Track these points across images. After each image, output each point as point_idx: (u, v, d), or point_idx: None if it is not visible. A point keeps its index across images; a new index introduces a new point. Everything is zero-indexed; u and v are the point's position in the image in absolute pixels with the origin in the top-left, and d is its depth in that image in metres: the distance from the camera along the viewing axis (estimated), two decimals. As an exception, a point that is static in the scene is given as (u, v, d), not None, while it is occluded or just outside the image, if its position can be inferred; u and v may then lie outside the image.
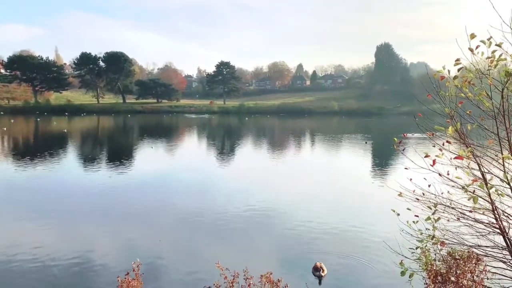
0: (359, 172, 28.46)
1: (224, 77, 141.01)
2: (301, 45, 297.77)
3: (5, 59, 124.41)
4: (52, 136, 56.70)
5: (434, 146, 6.87)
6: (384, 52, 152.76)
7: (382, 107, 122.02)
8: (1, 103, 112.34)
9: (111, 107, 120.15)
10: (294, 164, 33.31)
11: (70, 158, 35.05)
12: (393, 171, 27.08)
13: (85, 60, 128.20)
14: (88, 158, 35.22)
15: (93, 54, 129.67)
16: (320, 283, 10.43)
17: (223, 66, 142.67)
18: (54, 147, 41.39)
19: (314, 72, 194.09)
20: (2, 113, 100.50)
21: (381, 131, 65.74)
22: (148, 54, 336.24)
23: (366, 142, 48.29)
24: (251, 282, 5.14)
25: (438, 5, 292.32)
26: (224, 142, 53.67)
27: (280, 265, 11.61)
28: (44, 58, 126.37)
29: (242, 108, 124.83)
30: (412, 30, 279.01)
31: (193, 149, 44.71)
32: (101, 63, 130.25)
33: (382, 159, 33.47)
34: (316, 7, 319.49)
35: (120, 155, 37.87)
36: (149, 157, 36.34)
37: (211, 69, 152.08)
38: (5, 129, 61.02)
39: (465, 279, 5.07)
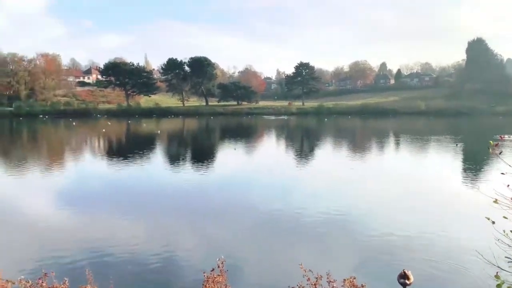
0: (449, 176, 26.73)
1: (303, 78, 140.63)
2: (384, 43, 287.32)
3: (102, 66, 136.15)
4: (143, 137, 60.84)
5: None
6: (477, 48, 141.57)
7: (473, 106, 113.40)
8: (99, 107, 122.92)
9: (195, 109, 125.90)
10: (377, 167, 32.16)
11: (159, 158, 37.27)
12: (488, 176, 25.05)
13: (171, 66, 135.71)
14: (175, 158, 37.23)
15: (178, 59, 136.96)
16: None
17: (302, 67, 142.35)
18: (146, 147, 44.35)
19: (399, 70, 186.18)
20: (99, 115, 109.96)
21: (473, 133, 61.18)
22: (230, 57, 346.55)
23: (457, 145, 45.21)
24: (334, 285, 5.08)
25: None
26: (303, 143, 53.51)
27: (363, 271, 11.29)
28: (135, 64, 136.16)
29: (321, 108, 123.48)
30: (508, 23, 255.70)
31: (272, 150, 45.17)
32: (186, 68, 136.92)
33: (475, 163, 31.12)
34: (401, 2, 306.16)
35: (204, 155, 39.52)
36: (231, 157, 37.42)
37: (290, 70, 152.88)
38: (104, 130, 66.63)
39: None
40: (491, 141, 6.40)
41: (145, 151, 41.05)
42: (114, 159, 35.73)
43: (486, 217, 6.57)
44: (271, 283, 10.35)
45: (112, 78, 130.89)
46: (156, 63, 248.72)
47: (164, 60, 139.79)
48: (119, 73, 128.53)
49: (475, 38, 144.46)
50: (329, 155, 39.53)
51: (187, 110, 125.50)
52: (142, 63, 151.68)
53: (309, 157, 38.47)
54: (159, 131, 65.36)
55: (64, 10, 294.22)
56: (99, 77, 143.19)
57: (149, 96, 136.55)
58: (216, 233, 15.11)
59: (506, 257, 6.31)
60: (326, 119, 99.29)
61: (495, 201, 6.69)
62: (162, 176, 27.72)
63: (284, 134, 67.40)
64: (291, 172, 29.59)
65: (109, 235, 14.62)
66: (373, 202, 19.56)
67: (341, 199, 20.14)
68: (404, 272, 10.23)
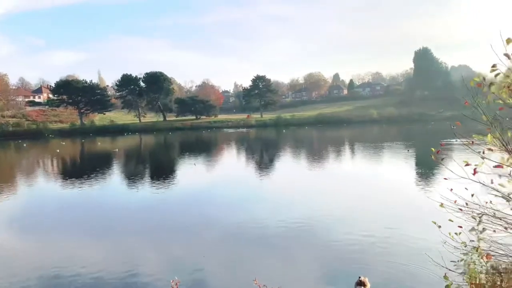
0: (401, 181, 27.75)
1: (260, 91, 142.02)
2: (337, 54, 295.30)
3: (53, 85, 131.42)
4: (99, 156, 59.07)
5: (480, 153, 6.67)
6: (423, 57, 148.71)
7: (423, 113, 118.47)
8: (51, 126, 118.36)
9: (152, 125, 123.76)
10: (334, 175, 32.94)
11: (116, 177, 36.36)
12: (436, 180, 26.22)
13: (126, 81, 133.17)
14: (133, 176, 36.38)
15: (133, 75, 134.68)
16: None
17: (258, 80, 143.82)
18: (102, 167, 43.09)
19: (351, 81, 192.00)
20: (52, 136, 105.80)
21: (424, 138, 63.84)
22: (186, 72, 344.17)
23: (408, 150, 47.02)
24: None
25: (476, 6, 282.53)
26: (263, 155, 53.88)
27: (323, 280, 11.50)
28: (88, 81, 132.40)
29: (279, 120, 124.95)
30: (452, 32, 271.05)
31: (232, 163, 45.18)
32: (142, 84, 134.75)
33: (425, 168, 32.47)
34: (349, 14, 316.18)
35: (162, 172, 38.90)
36: (190, 173, 37.05)
37: (247, 83, 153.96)
38: (58, 151, 64.10)
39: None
40: (432, 149, 6.77)
41: (101, 170, 39.92)
42: (69, 180, 34.49)
43: (432, 221, 6.90)
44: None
45: (64, 97, 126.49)
46: (110, 79, 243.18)
47: (119, 77, 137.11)
48: (72, 91, 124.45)
49: (421, 48, 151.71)
50: (289, 165, 40.04)
51: (144, 126, 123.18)
52: (95, 80, 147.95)
53: (270, 168, 38.81)
54: (116, 149, 63.78)
55: (11, 27, 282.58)
56: (51, 96, 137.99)
57: (104, 114, 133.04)
58: (177, 251, 14.91)
59: (451, 260, 6.63)
60: (284, 130, 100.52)
61: (441, 205, 7.06)
62: (120, 195, 27.06)
63: (244, 146, 67.60)
64: (252, 184, 29.72)
65: (66, 260, 14.06)
66: (331, 210, 19.99)
67: (301, 208, 20.41)
68: (360, 280, 10.54)
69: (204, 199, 24.83)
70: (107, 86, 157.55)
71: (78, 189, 29.21)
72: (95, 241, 16.57)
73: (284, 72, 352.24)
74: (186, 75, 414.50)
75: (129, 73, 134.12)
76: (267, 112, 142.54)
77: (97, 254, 14.72)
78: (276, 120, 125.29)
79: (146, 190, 28.29)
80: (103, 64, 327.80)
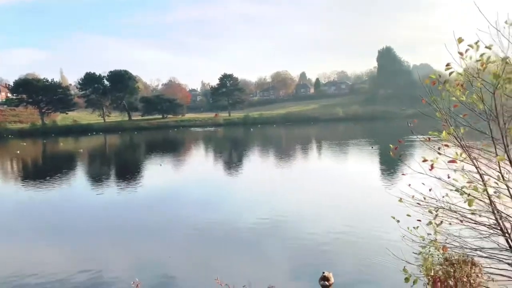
0: (364, 178, 28.39)
1: (227, 89, 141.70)
2: (303, 53, 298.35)
3: (12, 83, 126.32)
4: (62, 157, 57.23)
5: (439, 148, 6.89)
6: (386, 56, 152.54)
7: (387, 111, 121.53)
8: (10, 127, 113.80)
9: (117, 125, 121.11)
10: (300, 173, 33.32)
11: (80, 178, 35.36)
12: (397, 176, 26.98)
13: (89, 80, 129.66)
14: (97, 177, 35.51)
15: (97, 73, 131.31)
16: None
17: (226, 78, 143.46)
18: (65, 168, 41.80)
19: (317, 79, 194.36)
20: (11, 136, 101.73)
21: (387, 135, 65.51)
22: (152, 71, 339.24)
23: (372, 147, 48.15)
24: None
25: (439, 6, 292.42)
26: (231, 154, 53.81)
27: (289, 277, 11.62)
28: (50, 80, 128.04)
29: (247, 119, 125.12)
30: (414, 31, 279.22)
31: (200, 162, 44.86)
32: (106, 82, 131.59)
33: (388, 164, 33.33)
34: (316, 14, 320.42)
35: (128, 172, 38.16)
36: (157, 173, 36.51)
37: (214, 82, 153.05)
38: (18, 152, 61.60)
39: (462, 283, 5.07)
40: (391, 145, 6.95)
41: (64, 171, 38.72)
42: (30, 182, 33.30)
43: (392, 217, 7.09)
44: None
45: (24, 96, 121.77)
46: (73, 78, 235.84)
47: (82, 75, 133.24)
48: (32, 90, 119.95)
49: (384, 47, 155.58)
50: (257, 164, 40.19)
51: (109, 126, 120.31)
52: (57, 79, 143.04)
53: (237, 167, 38.80)
54: (81, 150, 62.06)
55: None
56: (9, 95, 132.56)
57: (67, 113, 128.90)
58: (143, 252, 14.67)
59: (413, 252, 6.84)
60: (252, 129, 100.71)
61: (400, 200, 7.27)
62: (84, 197, 26.34)
63: (212, 145, 67.27)
64: (220, 183, 29.65)
65: (26, 263, 13.60)
66: (297, 207, 20.24)
67: (268, 206, 20.52)
68: (324, 275, 10.72)
69: (171, 199, 24.56)
70: (70, 85, 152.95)
71: (40, 191, 28.24)
72: (56, 242, 16.14)
73: (251, 71, 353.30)
74: (152, 74, 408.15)
75: (92, 72, 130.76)
76: (235, 111, 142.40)
77: (58, 256, 14.34)
78: (244, 119, 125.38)
79: (111, 191, 27.68)
80: (66, 63, 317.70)
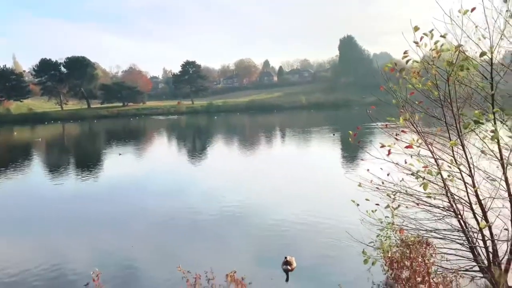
0: (326, 164, 28.94)
1: (190, 77, 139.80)
2: (267, 41, 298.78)
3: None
4: (16, 146, 54.82)
5: (396, 135, 7.08)
6: (347, 45, 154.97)
7: (348, 99, 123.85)
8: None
9: (76, 113, 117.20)
10: (264, 160, 33.53)
11: (37, 169, 34.07)
12: (358, 161, 27.66)
13: (45, 67, 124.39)
14: (55, 167, 34.29)
15: (53, 60, 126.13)
16: (287, 277, 10.61)
17: (188, 66, 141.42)
18: (20, 158, 40.09)
19: (281, 67, 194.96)
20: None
21: (348, 123, 66.88)
22: (112, 58, 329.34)
23: (334, 134, 49.05)
24: (213, 283, 5.19)
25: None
26: (195, 142, 53.35)
27: (251, 263, 11.72)
28: (1, 66, 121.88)
29: (211, 107, 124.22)
30: (375, 21, 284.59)
31: (162, 151, 44.21)
32: (63, 69, 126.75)
33: (348, 151, 34.07)
34: (279, 2, 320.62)
35: (88, 162, 37.11)
36: (118, 162, 35.68)
37: (176, 69, 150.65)
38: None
39: (418, 264, 5.29)
40: (350, 132, 7.10)
41: (19, 162, 37.16)
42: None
43: (351, 200, 7.26)
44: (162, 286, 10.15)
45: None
46: (27, 65, 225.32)
47: (37, 61, 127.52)
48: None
49: (346, 36, 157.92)
50: (221, 152, 40.06)
51: (67, 114, 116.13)
52: (10, 65, 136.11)
53: (201, 155, 38.55)
54: (39, 139, 59.58)
55: None
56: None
57: (21, 101, 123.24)
58: (104, 242, 14.34)
59: (371, 237, 7.04)
60: (215, 117, 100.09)
61: (359, 185, 7.46)
62: (41, 187, 25.38)
63: (175, 134, 66.37)
64: (183, 172, 29.39)
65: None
66: (260, 194, 20.39)
67: (231, 194, 20.53)
68: (287, 260, 10.91)
69: (133, 189, 24.08)
70: (24, 71, 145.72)
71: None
72: (13, 234, 15.50)
73: (214, 59, 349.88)
74: (112, 61, 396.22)
75: (48, 58, 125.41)
76: (198, 99, 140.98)
77: (15, 248, 13.80)
78: (208, 107, 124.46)
79: (70, 181, 26.81)
80: (19, 49, 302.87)
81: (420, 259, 5.27)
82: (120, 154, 39.73)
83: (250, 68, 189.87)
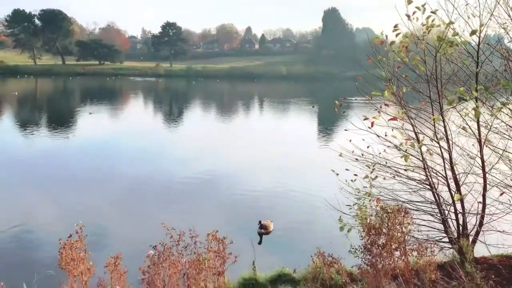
0: (305, 135, 29.22)
1: (170, 39, 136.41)
2: (250, 7, 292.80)
3: None
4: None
5: (376, 110, 7.21)
6: (331, 17, 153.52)
7: (328, 72, 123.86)
8: None
9: (50, 68, 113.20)
10: (242, 129, 33.55)
11: (7, 124, 33.11)
12: (337, 133, 28.04)
13: (18, 18, 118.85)
14: (27, 124, 33.38)
15: (27, 11, 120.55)
16: (261, 240, 10.92)
17: (168, 27, 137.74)
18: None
19: (263, 35, 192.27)
20: None
21: (327, 96, 67.26)
22: (89, 13, 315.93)
23: (313, 106, 49.34)
24: (197, 240, 5.29)
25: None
26: (171, 107, 52.71)
27: (227, 227, 11.90)
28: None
29: (190, 71, 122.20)
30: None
31: (139, 114, 43.54)
32: (37, 21, 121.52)
33: (327, 123, 34.44)
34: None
35: (61, 120, 36.27)
36: (93, 122, 35.01)
37: (156, 30, 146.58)
38: None
39: (395, 231, 5.51)
40: (336, 102, 7.17)
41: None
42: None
43: (331, 170, 7.42)
44: (135, 244, 10.23)
45: None
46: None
47: (9, 11, 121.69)
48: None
49: (330, 8, 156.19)
50: (198, 119, 39.76)
51: (40, 69, 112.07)
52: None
53: (178, 121, 38.21)
54: (16, 93, 57.66)
55: None
56: None
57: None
58: (77, 201, 14.24)
59: (347, 205, 7.24)
60: (194, 82, 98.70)
61: (340, 155, 7.60)
62: (12, 144, 24.77)
63: (152, 97, 65.31)
64: (159, 136, 29.11)
65: None
66: (238, 162, 20.50)
67: (208, 161, 20.59)
68: (261, 224, 11.21)
69: (106, 150, 23.77)
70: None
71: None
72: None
73: (196, 22, 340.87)
74: (88, 16, 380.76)
75: (21, 9, 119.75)
76: (177, 62, 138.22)
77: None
78: (187, 71, 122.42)
79: (43, 139, 26.20)
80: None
81: (398, 227, 5.49)
82: (90, 113, 38.81)
83: (231, 34, 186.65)
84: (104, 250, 6.30)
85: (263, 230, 11.22)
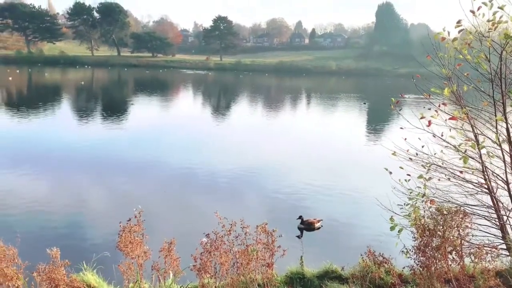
0: (355, 132, 28.72)
1: (221, 32, 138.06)
2: (301, 1, 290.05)
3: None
4: (47, 87, 56.09)
5: (429, 109, 6.99)
6: (385, 12, 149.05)
7: (380, 68, 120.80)
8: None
9: (106, 59, 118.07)
10: (290, 124, 33.44)
11: (66, 111, 34.97)
12: (389, 131, 27.36)
13: (78, 10, 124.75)
14: (83, 112, 35.12)
15: (87, 4, 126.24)
16: (301, 234, 11.00)
17: (220, 21, 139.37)
18: (51, 100, 41.15)
19: (313, 30, 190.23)
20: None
21: (378, 93, 65.59)
22: (144, 6, 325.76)
23: (364, 103, 48.28)
24: (247, 231, 5.39)
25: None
26: (220, 99, 53.46)
27: (273, 221, 11.98)
28: (37, 6, 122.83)
29: (239, 65, 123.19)
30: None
31: (188, 105, 44.57)
32: (96, 14, 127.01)
33: (379, 120, 33.66)
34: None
35: (115, 109, 37.81)
36: (144, 112, 36.24)
37: (208, 23, 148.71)
38: (10, 79, 59.88)
39: (451, 233, 5.34)
40: (393, 99, 7.00)
41: (49, 103, 38.19)
42: (9, 111, 32.75)
43: (384, 168, 7.27)
44: (187, 230, 10.57)
45: (10, 21, 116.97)
46: (61, 6, 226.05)
47: (70, 4, 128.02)
48: (18, 16, 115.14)
49: (384, 2, 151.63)
50: (245, 112, 40.08)
51: (97, 60, 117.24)
52: (45, 6, 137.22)
53: (226, 113, 38.73)
54: (82, 82, 60.91)
55: None
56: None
57: (54, 43, 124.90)
58: (130, 187, 14.87)
59: (398, 204, 7.08)
60: (241, 76, 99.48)
61: (394, 154, 7.43)
62: (69, 130, 26.17)
63: (201, 89, 66.57)
64: (207, 128, 29.66)
65: (7, 193, 13.67)
66: (285, 157, 20.49)
67: (255, 154, 20.76)
68: (302, 219, 11.26)
69: (156, 140, 24.48)
70: (57, 13, 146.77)
71: (24, 122, 27.93)
72: (42, 176, 16.09)
73: (247, 16, 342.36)
74: (143, 9, 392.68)
75: (82, 1, 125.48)
76: (227, 56, 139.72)
77: (45, 190, 14.43)
78: (236, 65, 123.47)
79: (97, 127, 27.49)
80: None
81: (455, 229, 5.32)
82: (132, 104, 39.74)
83: (281, 28, 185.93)
84: (158, 235, 6.56)
85: (304, 225, 11.26)
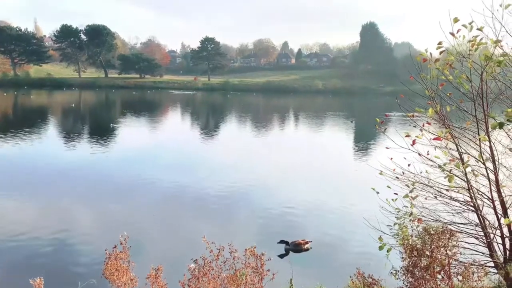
0: (342, 150, 28.90)
1: (208, 53, 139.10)
2: (287, 22, 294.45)
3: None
4: (33, 110, 55.57)
5: (415, 127, 7.08)
6: (369, 32, 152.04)
7: (365, 87, 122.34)
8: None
9: (93, 81, 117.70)
10: (277, 142, 33.57)
11: (52, 134, 34.62)
12: (375, 150, 27.55)
13: (65, 33, 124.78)
14: (70, 134, 34.79)
15: (74, 26, 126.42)
16: (286, 254, 10.91)
17: (207, 42, 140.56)
18: (36, 122, 40.73)
19: (299, 50, 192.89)
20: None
21: (364, 111, 66.33)
22: (131, 28, 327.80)
23: (351, 121, 48.72)
24: (235, 255, 5.33)
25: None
26: (208, 119, 53.51)
27: (262, 242, 11.89)
28: (23, 29, 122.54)
29: (227, 85, 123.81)
30: (398, 9, 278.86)
31: (177, 126, 44.50)
32: (83, 36, 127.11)
33: (365, 138, 33.93)
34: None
35: (102, 131, 37.54)
36: (132, 133, 36.05)
37: (195, 44, 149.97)
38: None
39: (439, 253, 5.35)
40: (377, 119, 7.08)
41: (35, 126, 37.78)
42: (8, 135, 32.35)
43: (372, 188, 7.30)
44: (175, 256, 10.42)
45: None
46: (48, 29, 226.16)
47: (57, 27, 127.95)
48: (4, 39, 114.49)
49: (368, 22, 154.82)
50: (234, 131, 40.16)
51: (84, 81, 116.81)
52: (31, 29, 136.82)
53: (214, 133, 38.74)
54: (73, 104, 60.55)
55: None
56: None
57: (40, 66, 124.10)
58: (117, 211, 14.67)
59: (387, 225, 7.09)
60: (228, 95, 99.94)
61: (380, 173, 7.47)
62: (56, 153, 25.85)
63: (189, 109, 66.62)
64: (195, 148, 29.60)
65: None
66: (273, 176, 20.49)
67: (243, 173, 20.71)
68: (285, 242, 11.20)
69: (144, 160, 24.34)
70: (44, 36, 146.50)
71: (11, 146, 27.55)
72: (27, 200, 15.81)
73: (234, 37, 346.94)
74: (130, 31, 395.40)
75: (69, 24, 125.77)
76: (215, 76, 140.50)
77: (30, 214, 14.16)
78: (224, 85, 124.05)
79: (84, 149, 27.22)
80: (40, 13, 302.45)
81: (442, 249, 5.33)
82: (117, 127, 39.10)
83: (268, 48, 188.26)
84: (146, 261, 6.44)
85: (290, 247, 11.22)
